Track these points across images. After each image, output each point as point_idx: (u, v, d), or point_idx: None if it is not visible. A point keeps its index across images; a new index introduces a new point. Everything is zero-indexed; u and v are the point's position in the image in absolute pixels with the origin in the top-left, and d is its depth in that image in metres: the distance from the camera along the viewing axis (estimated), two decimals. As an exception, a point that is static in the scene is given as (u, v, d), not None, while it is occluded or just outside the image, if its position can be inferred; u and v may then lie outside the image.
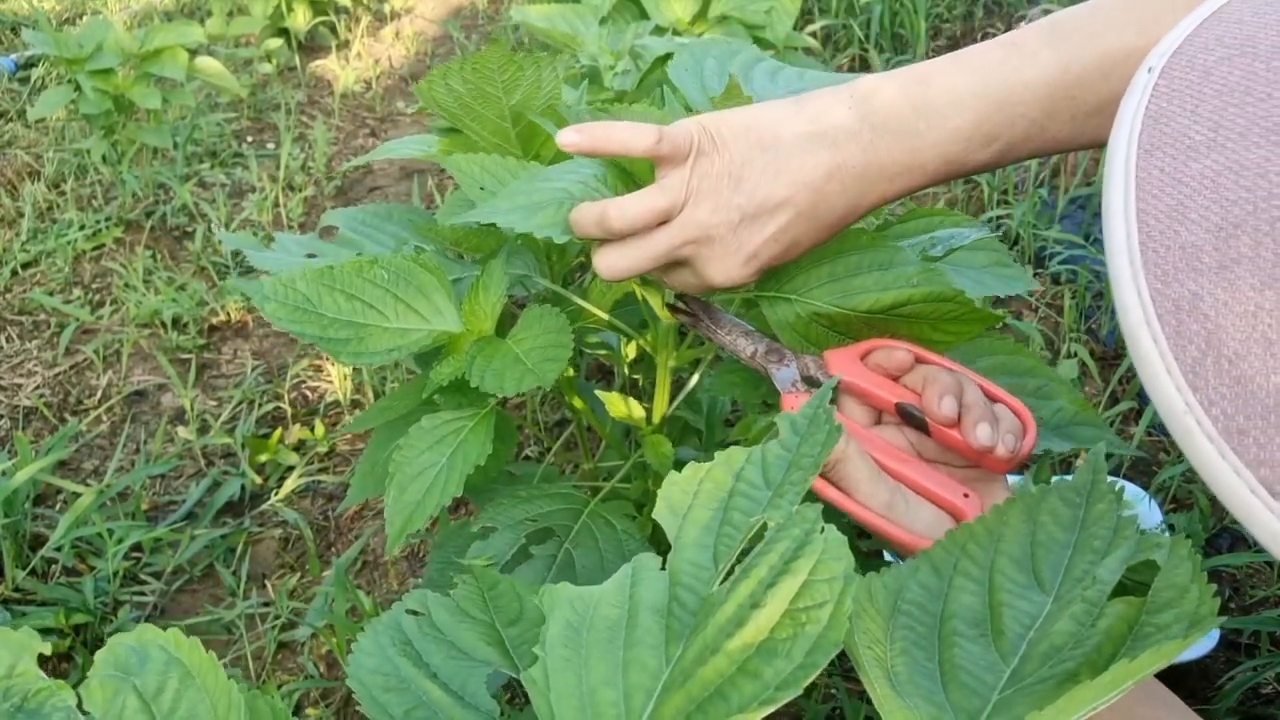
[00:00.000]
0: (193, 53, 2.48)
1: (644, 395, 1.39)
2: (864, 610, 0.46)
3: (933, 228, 0.95)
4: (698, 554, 0.42)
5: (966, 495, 0.66)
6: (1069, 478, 0.52)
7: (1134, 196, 0.36)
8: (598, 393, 0.95)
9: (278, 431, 1.77)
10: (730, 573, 0.41)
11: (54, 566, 1.54)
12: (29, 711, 0.43)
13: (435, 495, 0.84)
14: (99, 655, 0.45)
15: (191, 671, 0.43)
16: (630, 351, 1.20)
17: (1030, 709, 0.44)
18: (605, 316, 0.91)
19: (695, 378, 0.94)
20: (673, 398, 0.96)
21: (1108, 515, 0.50)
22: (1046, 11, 2.43)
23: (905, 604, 0.48)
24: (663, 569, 0.42)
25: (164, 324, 2.04)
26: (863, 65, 2.67)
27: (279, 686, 1.37)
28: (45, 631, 1.41)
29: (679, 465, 0.96)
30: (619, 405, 0.93)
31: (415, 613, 0.60)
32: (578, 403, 1.00)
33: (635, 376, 1.37)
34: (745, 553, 0.41)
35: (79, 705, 0.44)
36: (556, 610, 0.41)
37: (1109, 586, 0.48)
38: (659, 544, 0.96)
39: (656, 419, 0.95)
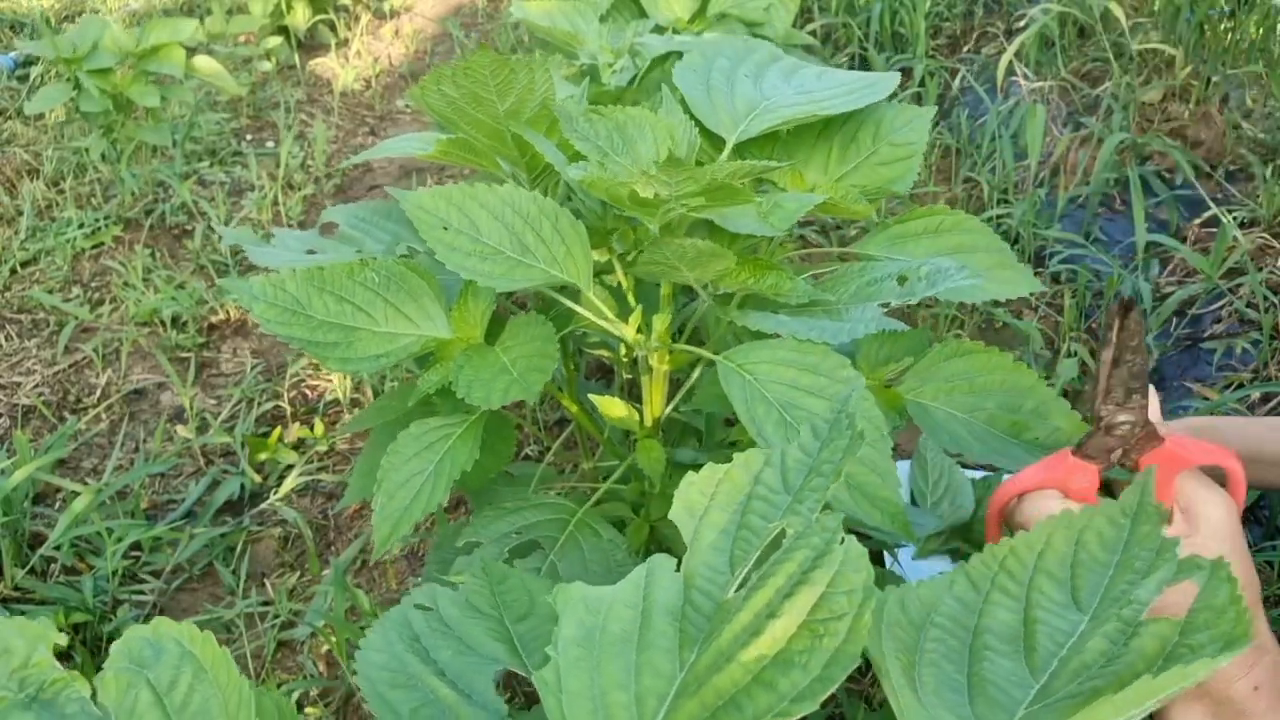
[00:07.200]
0: (191, 51, 2.47)
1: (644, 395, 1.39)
2: (895, 620, 0.46)
3: (934, 228, 0.94)
4: (714, 557, 0.41)
5: None
6: None
7: None
8: (592, 396, 0.95)
9: (277, 430, 1.76)
10: (747, 578, 0.40)
11: (53, 565, 1.53)
12: (44, 702, 0.43)
13: (421, 502, 0.84)
14: (114, 647, 0.46)
15: (204, 666, 0.43)
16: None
17: (1055, 724, 0.43)
18: (596, 321, 0.89)
19: (695, 375, 0.94)
20: (671, 398, 0.95)
21: (1151, 537, 0.49)
22: (1045, 11, 2.42)
23: (939, 616, 0.48)
24: (678, 570, 0.42)
25: (163, 322, 2.04)
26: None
27: (278, 685, 1.36)
28: (44, 631, 1.41)
29: (677, 466, 0.95)
30: (614, 408, 0.93)
31: (423, 607, 0.60)
32: (572, 405, 0.99)
33: (633, 376, 1.36)
34: (763, 559, 0.40)
35: (93, 697, 0.44)
36: (570, 610, 0.40)
37: (1145, 607, 0.47)
38: (653, 552, 0.95)
39: (649, 422, 0.94)
